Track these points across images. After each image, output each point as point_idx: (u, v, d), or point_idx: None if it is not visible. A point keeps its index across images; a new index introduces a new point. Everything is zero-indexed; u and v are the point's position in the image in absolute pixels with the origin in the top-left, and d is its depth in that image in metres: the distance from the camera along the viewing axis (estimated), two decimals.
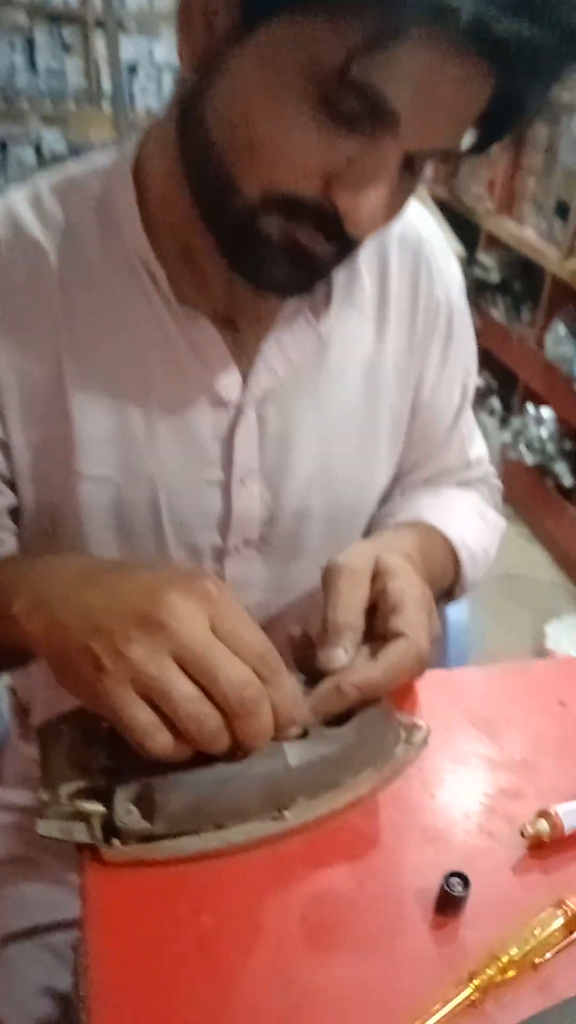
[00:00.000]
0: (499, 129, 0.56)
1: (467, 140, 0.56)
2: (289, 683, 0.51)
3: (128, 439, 0.68)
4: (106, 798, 0.49)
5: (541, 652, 2.20)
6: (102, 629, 0.48)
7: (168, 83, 3.68)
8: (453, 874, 0.48)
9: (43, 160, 3.70)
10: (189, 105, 0.58)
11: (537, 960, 0.46)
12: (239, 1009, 0.43)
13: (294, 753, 0.51)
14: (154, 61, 3.71)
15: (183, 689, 0.46)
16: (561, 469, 2.62)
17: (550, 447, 2.66)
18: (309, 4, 0.48)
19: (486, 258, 3.00)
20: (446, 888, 0.48)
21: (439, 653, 0.95)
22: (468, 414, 0.87)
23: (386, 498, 0.84)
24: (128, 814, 0.48)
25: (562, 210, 2.53)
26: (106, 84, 3.60)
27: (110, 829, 0.49)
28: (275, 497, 0.74)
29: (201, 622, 0.48)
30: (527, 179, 2.77)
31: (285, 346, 0.70)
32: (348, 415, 0.75)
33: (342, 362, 0.73)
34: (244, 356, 0.69)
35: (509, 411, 2.94)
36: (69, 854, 0.51)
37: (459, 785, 0.58)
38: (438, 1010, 0.43)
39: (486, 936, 0.47)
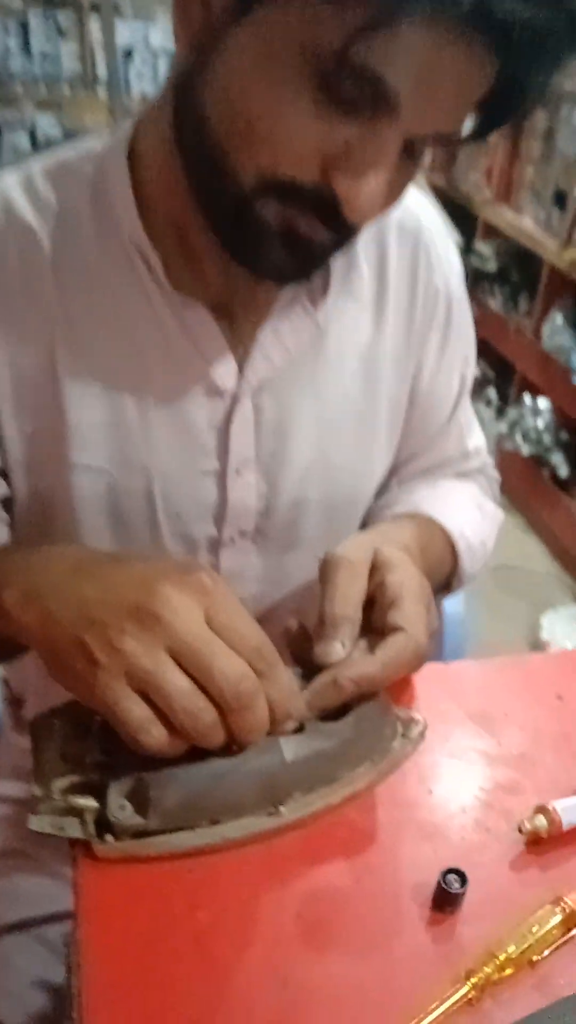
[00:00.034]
0: (500, 115, 0.55)
1: (467, 126, 0.55)
2: (285, 677, 0.50)
3: (122, 428, 0.67)
4: (99, 793, 0.49)
5: (537, 643, 2.20)
6: (95, 621, 0.47)
7: (164, 68, 3.63)
8: (450, 871, 0.48)
9: (37, 146, 3.67)
10: (185, 87, 0.56)
11: (535, 958, 0.45)
12: (234, 1007, 0.43)
13: (290, 748, 0.51)
14: (150, 46, 3.67)
15: (178, 683, 0.46)
16: (557, 460, 2.62)
17: (546, 438, 2.65)
18: None
19: (483, 247, 2.99)
20: (443, 885, 0.47)
21: (435, 646, 0.95)
22: (467, 404, 0.86)
23: (383, 489, 0.84)
24: (122, 809, 0.48)
25: (560, 199, 2.51)
26: (101, 69, 3.57)
27: (103, 825, 0.48)
28: (271, 487, 0.73)
29: (196, 615, 0.47)
30: (525, 167, 2.75)
31: (282, 335, 0.69)
32: (345, 404, 0.74)
33: (339, 351, 0.72)
34: (240, 345, 0.68)
35: (505, 401, 2.94)
36: (63, 847, 0.50)
37: (456, 780, 0.57)
38: (435, 1008, 0.42)
39: (483, 933, 0.46)
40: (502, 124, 0.56)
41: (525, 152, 2.74)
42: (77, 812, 0.49)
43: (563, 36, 0.47)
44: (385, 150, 0.52)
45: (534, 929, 0.46)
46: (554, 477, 2.64)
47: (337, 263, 0.69)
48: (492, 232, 2.98)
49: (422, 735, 0.58)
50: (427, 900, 0.48)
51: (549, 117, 2.51)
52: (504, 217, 2.82)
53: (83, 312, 0.64)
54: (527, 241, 2.68)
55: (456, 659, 0.99)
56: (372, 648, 0.56)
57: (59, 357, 0.64)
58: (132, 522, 0.71)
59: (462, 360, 0.82)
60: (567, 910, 0.47)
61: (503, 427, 2.76)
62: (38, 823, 0.49)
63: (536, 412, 2.69)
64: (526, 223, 2.72)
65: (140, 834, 0.48)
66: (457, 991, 0.43)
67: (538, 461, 2.68)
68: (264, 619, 0.79)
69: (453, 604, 1.01)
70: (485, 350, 2.91)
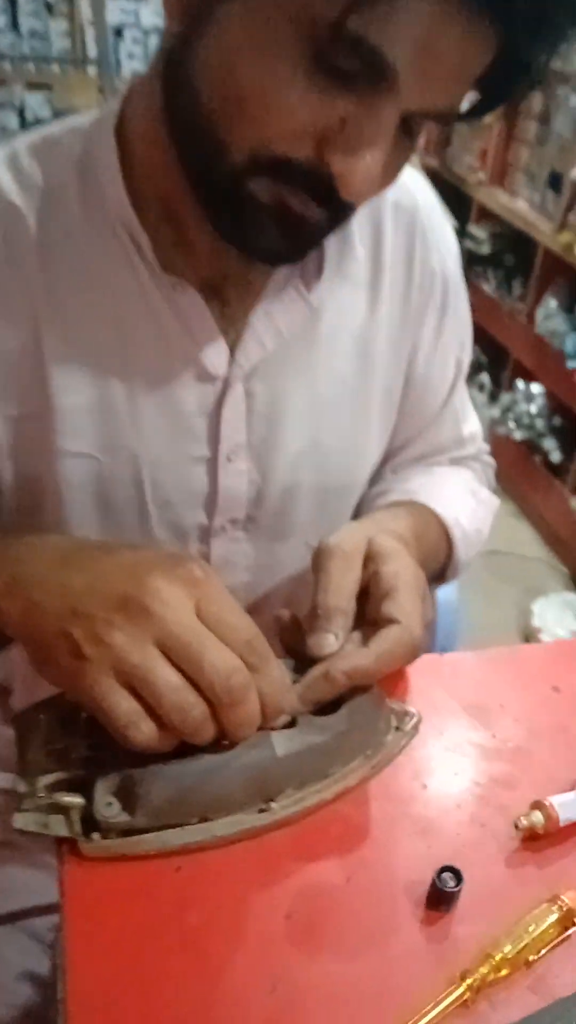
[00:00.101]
0: (498, 94, 0.54)
1: (465, 104, 0.53)
2: (277, 671, 0.49)
3: (110, 414, 0.65)
4: (86, 790, 0.47)
5: (528, 630, 2.20)
6: (82, 613, 0.46)
7: (155, 47, 3.59)
8: (445, 869, 0.47)
9: (27, 125, 3.62)
10: (175, 60, 0.55)
11: (531, 958, 0.44)
12: (225, 1008, 0.42)
13: (281, 743, 0.50)
14: (140, 24, 3.62)
15: (167, 678, 0.45)
16: (550, 445, 2.61)
17: (539, 423, 2.64)
18: None
19: (477, 230, 2.96)
20: (438, 883, 0.46)
21: (429, 636, 0.94)
22: (462, 389, 0.85)
23: (377, 477, 0.82)
24: (108, 807, 0.46)
25: (555, 182, 2.49)
26: (91, 48, 3.52)
27: (90, 822, 0.47)
28: (263, 474, 0.71)
29: (186, 607, 0.46)
30: (520, 150, 2.72)
31: (275, 317, 0.67)
32: (339, 388, 0.73)
33: (333, 333, 0.71)
34: (232, 328, 0.66)
35: (498, 386, 2.92)
36: (51, 840, 0.49)
37: (451, 774, 0.56)
38: (429, 1011, 0.41)
39: (478, 932, 0.45)
40: (500, 103, 0.55)
41: (520, 134, 2.71)
42: (63, 809, 0.48)
43: (564, 12, 0.46)
44: (382, 127, 0.50)
45: (530, 928, 0.45)
46: (547, 463, 2.63)
47: (331, 243, 0.67)
48: (486, 215, 2.95)
49: (416, 728, 0.57)
50: (421, 898, 0.47)
51: (545, 99, 2.48)
52: (498, 200, 2.80)
53: (69, 293, 0.62)
54: (521, 224, 2.65)
55: (448, 646, 0.99)
56: (366, 640, 0.55)
57: (44, 339, 0.62)
58: (121, 510, 0.69)
59: (458, 344, 0.81)
60: (564, 909, 0.46)
61: (496, 412, 2.74)
62: (23, 821, 0.48)
63: (529, 397, 2.67)
64: (520, 206, 2.69)
65: (128, 832, 0.47)
66: (452, 993, 0.42)
67: (531, 446, 2.67)
68: (255, 609, 0.77)
69: (446, 591, 1.00)
70: (478, 334, 2.87)
